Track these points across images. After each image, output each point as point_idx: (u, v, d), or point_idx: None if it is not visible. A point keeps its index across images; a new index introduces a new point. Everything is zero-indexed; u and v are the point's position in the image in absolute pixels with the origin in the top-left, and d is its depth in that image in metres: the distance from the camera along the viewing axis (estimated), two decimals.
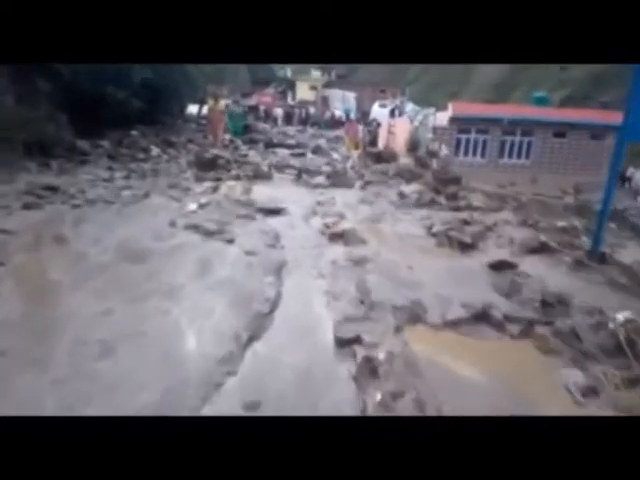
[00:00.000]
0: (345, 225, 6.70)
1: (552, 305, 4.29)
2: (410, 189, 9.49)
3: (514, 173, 19.17)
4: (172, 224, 6.44)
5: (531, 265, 5.46)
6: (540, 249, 5.88)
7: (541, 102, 21.66)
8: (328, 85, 35.19)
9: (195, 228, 6.24)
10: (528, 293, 4.57)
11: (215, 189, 8.87)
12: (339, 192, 9.78)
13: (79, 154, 11.69)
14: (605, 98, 22.02)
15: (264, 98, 35.03)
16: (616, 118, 20.27)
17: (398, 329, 3.79)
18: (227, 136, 16.76)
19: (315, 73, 38.71)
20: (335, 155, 15.41)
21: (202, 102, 16.86)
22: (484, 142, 19.88)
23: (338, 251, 5.84)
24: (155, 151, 12.93)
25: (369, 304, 4.19)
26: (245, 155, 13.61)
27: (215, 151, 10.72)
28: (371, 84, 35.05)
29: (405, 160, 12.59)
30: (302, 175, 10.81)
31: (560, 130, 19.75)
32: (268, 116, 27.50)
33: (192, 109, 22.29)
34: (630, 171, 19.57)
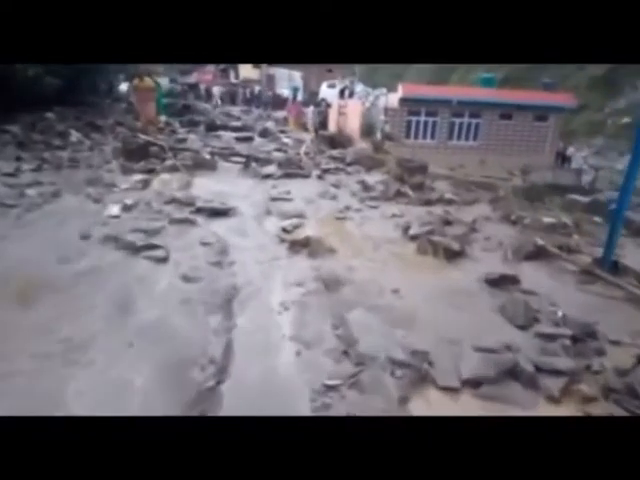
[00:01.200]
0: (307, 231, 5.43)
1: (583, 340, 3.30)
2: (373, 179, 8.35)
3: (462, 155, 18.71)
4: (85, 236, 4.88)
5: (531, 276, 4.51)
6: (537, 254, 4.93)
7: (488, 83, 21.17)
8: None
9: (115, 241, 4.72)
10: (547, 322, 3.56)
11: (146, 184, 7.25)
12: (294, 183, 8.45)
13: None
14: (547, 79, 21.93)
15: (205, 76, 32.49)
16: (558, 99, 20.23)
17: (403, 400, 2.63)
18: (162, 118, 14.77)
19: None
20: (285, 139, 13.93)
21: (134, 78, 14.63)
22: (434, 124, 19.21)
23: (302, 265, 4.59)
24: (75, 136, 10.87)
25: (356, 356, 2.99)
26: (183, 140, 11.83)
27: (145, 136, 8.93)
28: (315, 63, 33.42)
29: (362, 145, 11.39)
30: (251, 164, 9.33)
31: (506, 112, 19.42)
32: (209, 95, 25.26)
33: (124, 87, 19.73)
34: (570, 151, 19.67)
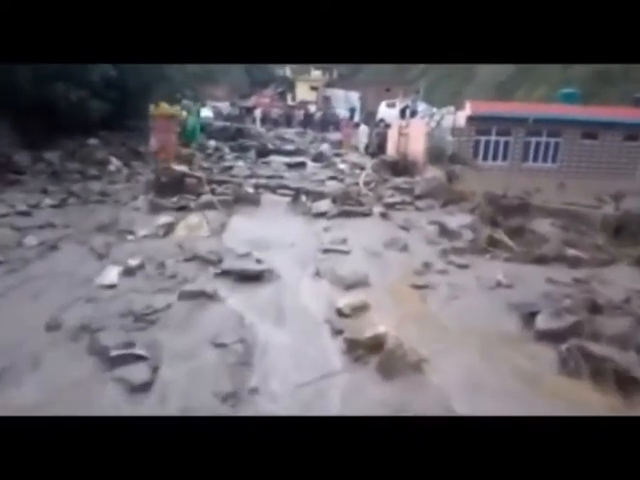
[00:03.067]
0: (375, 317, 3.48)
1: None
2: (455, 221, 6.26)
3: (539, 178, 16.06)
4: (52, 326, 3.24)
5: None
6: None
7: (570, 99, 18.31)
8: (329, 85, 31.80)
9: (89, 336, 3.04)
10: None
11: (170, 229, 5.66)
12: (352, 224, 6.56)
13: (11, 171, 8.51)
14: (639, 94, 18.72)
15: (262, 99, 31.79)
16: None
17: None
18: (212, 143, 13.53)
19: (315, 73, 35.24)
20: (341, 165, 12.13)
21: (193, 100, 13.56)
22: (506, 144, 16.74)
23: (371, 395, 2.65)
24: (115, 164, 9.73)
25: None
26: (229, 168, 10.38)
27: (178, 167, 7.42)
28: (375, 83, 31.60)
29: (433, 172, 9.30)
30: (300, 198, 7.57)
31: (590, 130, 16.57)
32: (266, 118, 24.19)
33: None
34: None
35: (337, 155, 15.35)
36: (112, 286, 3.94)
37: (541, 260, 5.06)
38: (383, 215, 7.03)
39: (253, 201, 7.46)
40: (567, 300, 3.71)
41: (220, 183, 7.81)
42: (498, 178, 12.24)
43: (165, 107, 8.85)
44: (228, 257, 4.79)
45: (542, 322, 3.39)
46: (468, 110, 16.31)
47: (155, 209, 6.60)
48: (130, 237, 5.34)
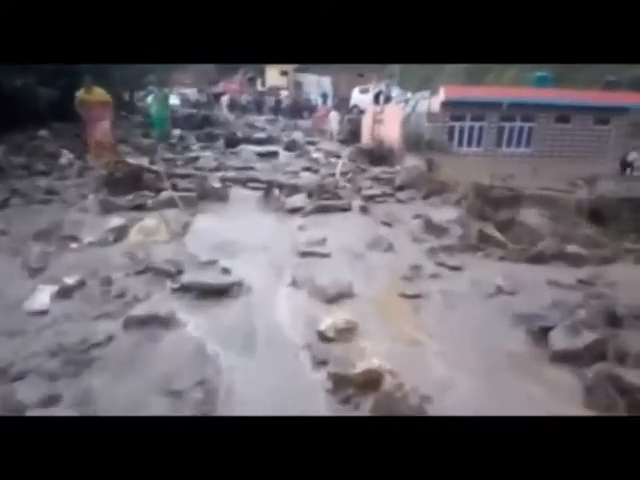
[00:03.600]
0: (363, 344, 2.89)
1: None
2: (442, 215, 5.71)
3: (512, 163, 15.87)
4: None
5: None
6: None
7: (543, 82, 18.12)
8: (300, 70, 30.71)
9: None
10: None
11: (121, 233, 4.86)
12: (330, 221, 5.93)
13: None
14: (611, 77, 18.67)
15: (231, 85, 30.51)
16: (622, 99, 16.86)
17: None
18: (176, 131, 12.53)
19: None
20: (315, 153, 11.42)
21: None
22: (480, 129, 16.44)
23: None
24: (66, 157, 8.69)
25: None
26: (195, 159, 9.51)
27: (133, 160, 6.56)
28: (347, 68, 30.73)
29: (412, 161, 8.72)
30: (273, 191, 6.86)
31: (563, 114, 16.44)
32: (234, 105, 23.06)
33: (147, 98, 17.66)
34: (632, 156, 16.45)
35: (310, 143, 14.61)
36: (43, 312, 3.19)
37: (538, 259, 4.58)
38: (363, 209, 6.42)
39: (220, 197, 6.71)
40: (581, 310, 3.21)
41: (183, 177, 7.01)
42: (476, 165, 11.88)
43: (99, 92, 7.92)
44: (190, 267, 4.09)
45: (558, 340, 2.87)
46: (442, 95, 15.86)
47: (107, 209, 5.77)
48: (73, 245, 4.54)
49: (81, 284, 3.60)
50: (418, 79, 34.09)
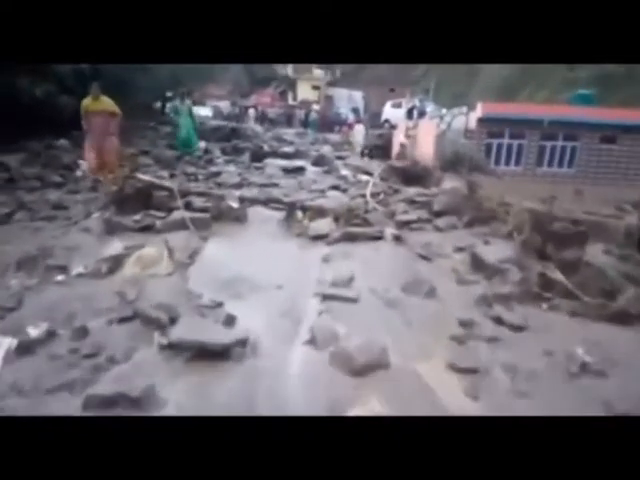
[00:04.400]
0: None
1: None
2: (493, 252, 4.74)
3: (554, 184, 14.63)
4: None
5: None
6: None
7: (586, 101, 16.83)
8: (332, 84, 30.20)
9: None
10: None
11: (117, 263, 4.14)
12: (358, 252, 5.06)
13: None
14: None
15: (263, 98, 30.32)
16: None
17: None
18: (202, 144, 11.97)
19: (317, 71, 33.65)
20: (344, 171, 10.60)
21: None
22: (519, 147, 15.29)
23: None
24: (81, 170, 8.20)
25: None
26: (217, 174, 8.86)
27: (145, 176, 5.90)
28: (378, 82, 30.01)
29: (452, 183, 7.76)
30: (295, 213, 6.06)
31: (609, 134, 15.12)
32: (263, 118, 22.63)
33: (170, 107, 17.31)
34: None
35: (340, 158, 13.86)
36: None
37: (623, 318, 3.56)
38: (397, 238, 5.52)
39: (237, 218, 5.97)
40: None
41: (199, 195, 6.31)
42: (515, 186, 10.80)
43: (107, 101, 7.03)
44: (187, 312, 3.30)
45: None
46: (479, 111, 14.88)
47: (111, 230, 5.11)
48: (59, 277, 3.83)
49: (50, 336, 2.86)
50: (449, 95, 33.12)
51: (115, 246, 4.44)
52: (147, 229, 5.28)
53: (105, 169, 6.79)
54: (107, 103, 7.06)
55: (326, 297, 3.81)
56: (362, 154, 16.15)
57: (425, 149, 13.90)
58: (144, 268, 4.05)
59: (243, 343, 2.92)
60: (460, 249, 5.22)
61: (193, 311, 3.37)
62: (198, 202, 6.18)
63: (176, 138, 10.96)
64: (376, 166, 12.82)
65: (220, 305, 3.52)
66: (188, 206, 5.88)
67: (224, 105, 26.86)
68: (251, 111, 22.96)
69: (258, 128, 19.06)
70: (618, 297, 3.92)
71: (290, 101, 32.33)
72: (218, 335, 2.95)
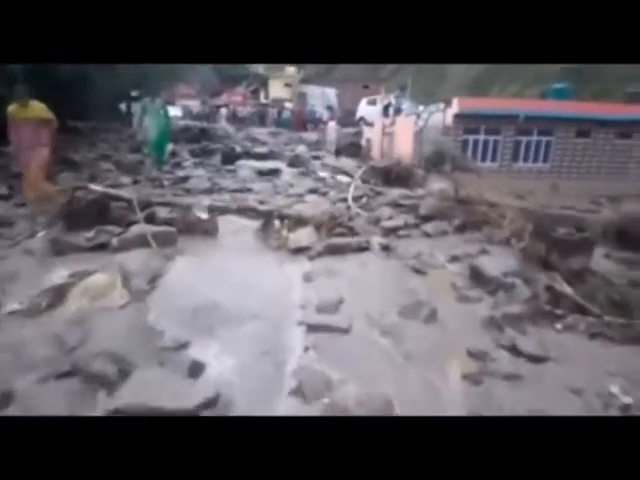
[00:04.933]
0: None
1: None
2: (492, 263, 4.25)
3: (530, 179, 14.57)
4: None
5: None
6: None
7: (562, 95, 16.81)
8: (305, 81, 29.53)
9: None
10: None
11: (61, 294, 3.43)
12: (344, 266, 4.50)
13: None
14: (632, 89, 17.35)
15: (234, 97, 29.38)
16: None
17: None
18: (168, 146, 11.13)
19: (290, 69, 32.89)
20: (322, 172, 10.01)
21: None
22: (495, 143, 15.14)
23: None
24: None
25: None
26: (184, 179, 8.12)
27: (97, 186, 5.13)
28: (351, 80, 29.52)
29: (438, 184, 7.27)
30: (272, 223, 5.44)
31: (583, 128, 15.14)
32: (235, 117, 21.78)
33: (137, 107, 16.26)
34: None
35: (315, 158, 13.27)
36: None
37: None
38: (385, 248, 4.99)
39: (207, 231, 5.30)
40: None
41: (163, 205, 5.60)
42: (491, 181, 10.50)
43: (38, 107, 5.67)
44: (143, 361, 2.65)
45: None
46: (455, 107, 14.60)
47: (58, 251, 4.37)
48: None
49: None
50: (421, 92, 33.10)
51: (59, 274, 3.71)
52: (101, 248, 4.56)
53: (31, 189, 5.67)
54: (37, 109, 5.69)
55: (312, 328, 3.23)
56: (337, 153, 15.66)
57: (404, 147, 13.48)
58: (93, 300, 3.36)
59: (212, 403, 2.31)
60: (455, 258, 4.73)
61: (150, 357, 2.72)
62: (163, 213, 5.48)
63: (147, 142, 9.48)
64: (354, 165, 12.33)
65: (185, 346, 2.88)
66: (150, 219, 5.17)
67: (194, 104, 25.84)
68: (222, 110, 22.05)
69: (230, 128, 18.23)
70: (634, 312, 3.50)
71: (262, 99, 31.48)
72: (180, 395, 2.32)
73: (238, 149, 12.15)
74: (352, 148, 15.93)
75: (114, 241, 4.65)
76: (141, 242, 4.61)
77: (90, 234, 4.73)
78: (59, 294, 3.41)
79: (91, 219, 4.96)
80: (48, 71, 8.66)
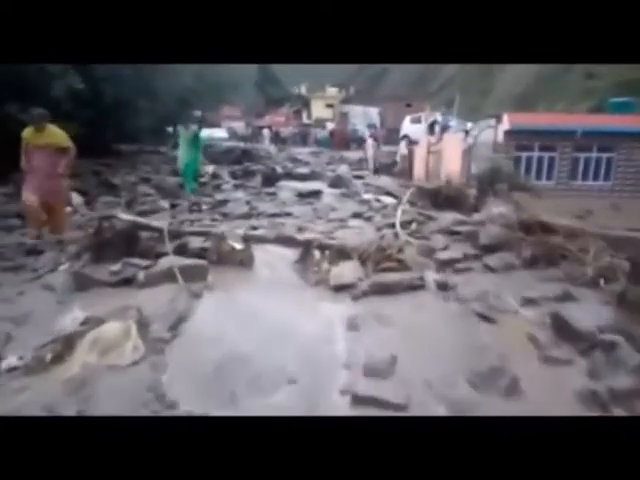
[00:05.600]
0: None
1: None
2: (586, 315, 3.38)
3: (589, 198, 13.19)
4: None
5: None
6: None
7: (623, 109, 15.39)
8: (347, 101, 29.25)
9: None
10: None
11: (68, 346, 2.95)
12: (396, 308, 3.78)
13: None
14: None
15: (277, 118, 29.59)
16: None
17: None
18: (209, 168, 10.93)
19: (331, 89, 32.81)
20: (366, 195, 9.35)
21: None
22: (551, 160, 13.97)
23: None
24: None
25: None
26: (223, 202, 7.73)
27: (125, 215, 4.74)
28: (393, 98, 28.91)
29: (498, 208, 6.39)
30: (311, 254, 4.83)
31: None
32: (278, 138, 21.70)
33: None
34: None
35: (357, 177, 12.68)
36: None
37: None
38: (442, 287, 4.22)
39: (242, 262, 4.77)
40: None
41: (196, 235, 5.13)
42: (548, 202, 9.41)
43: (55, 132, 5.17)
44: None
45: None
46: (506, 123, 13.68)
47: (81, 286, 3.97)
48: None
49: None
50: (465, 108, 32.05)
51: (74, 316, 3.26)
52: (126, 283, 4.12)
53: (48, 224, 5.23)
54: (55, 135, 5.22)
55: (359, 400, 2.53)
56: (375, 171, 15.04)
57: (452, 165, 12.62)
58: (102, 354, 2.85)
59: None
60: (529, 302, 3.89)
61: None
62: (196, 243, 5.02)
63: (182, 176, 9.09)
64: (396, 185, 11.60)
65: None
66: (182, 250, 4.71)
67: (238, 126, 26.17)
68: (265, 131, 22.04)
69: (272, 148, 18.05)
70: None
71: (305, 120, 31.50)
72: None
73: (279, 170, 11.76)
74: (392, 167, 15.24)
75: (140, 275, 4.20)
76: (169, 277, 4.13)
77: (116, 267, 4.32)
78: (67, 345, 2.93)
79: (119, 250, 4.56)
80: (94, 92, 8.68)
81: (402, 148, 16.20)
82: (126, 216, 4.76)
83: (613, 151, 13.54)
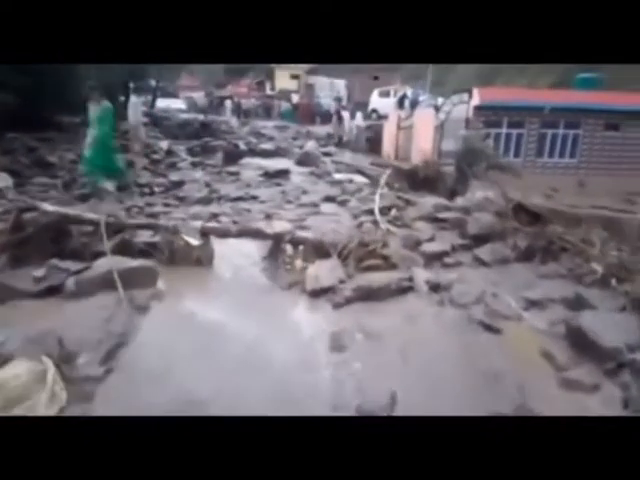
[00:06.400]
0: None
1: None
2: (606, 325, 2.88)
3: (555, 175, 13.19)
4: None
5: None
6: None
7: (589, 84, 15.27)
8: (312, 72, 27.85)
9: None
10: None
11: None
12: (383, 318, 3.15)
13: None
14: None
15: (239, 89, 27.88)
16: None
17: None
18: (164, 143, 9.77)
19: None
20: (337, 174, 8.60)
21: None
22: (519, 137, 13.76)
23: None
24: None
25: None
26: (178, 184, 6.76)
27: (51, 207, 3.77)
28: (360, 70, 27.79)
29: (484, 192, 5.83)
30: (282, 250, 4.10)
31: (613, 120, 13.69)
32: (240, 110, 20.32)
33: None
34: None
35: (326, 155, 11.87)
36: None
37: None
38: (434, 288, 3.63)
39: (199, 260, 3.97)
40: None
41: (140, 228, 4.24)
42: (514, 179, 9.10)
43: None
44: None
45: None
46: (476, 98, 13.15)
47: (7, 294, 3.07)
48: None
49: None
50: (428, 83, 31.65)
51: None
52: (52, 293, 3.25)
53: None
54: None
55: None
56: (337, 144, 14.26)
57: (423, 142, 12.03)
58: (5, 407, 2.04)
59: None
60: (533, 304, 3.37)
61: None
62: (143, 237, 4.15)
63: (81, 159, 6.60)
64: (367, 162, 10.92)
65: None
66: (124, 247, 3.83)
67: (198, 96, 24.36)
68: (227, 102, 20.55)
69: (234, 121, 16.77)
70: None
71: (268, 91, 29.90)
72: None
73: (242, 146, 10.74)
74: (366, 143, 14.54)
75: (70, 283, 3.34)
76: (106, 283, 3.30)
77: (40, 272, 3.41)
78: None
79: (44, 250, 3.63)
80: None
81: (358, 120, 15.59)
82: (51, 207, 3.79)
83: (579, 128, 13.42)
